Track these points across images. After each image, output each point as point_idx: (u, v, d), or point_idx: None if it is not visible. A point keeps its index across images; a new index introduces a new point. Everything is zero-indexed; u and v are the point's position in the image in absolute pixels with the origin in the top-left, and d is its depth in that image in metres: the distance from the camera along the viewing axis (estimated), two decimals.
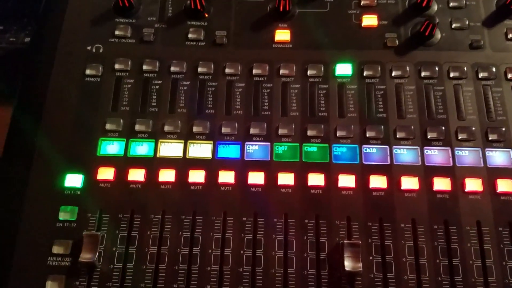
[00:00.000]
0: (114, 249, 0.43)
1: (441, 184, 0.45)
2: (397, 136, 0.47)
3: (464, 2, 0.54)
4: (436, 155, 0.47)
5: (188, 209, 0.45)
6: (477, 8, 0.54)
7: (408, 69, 0.50)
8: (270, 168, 0.47)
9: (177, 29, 0.54)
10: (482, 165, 0.46)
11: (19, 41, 0.72)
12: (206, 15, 0.54)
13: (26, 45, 0.70)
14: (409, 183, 0.45)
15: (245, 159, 0.47)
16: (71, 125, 0.49)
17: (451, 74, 0.50)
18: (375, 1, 0.54)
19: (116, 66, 0.51)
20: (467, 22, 0.53)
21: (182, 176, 0.46)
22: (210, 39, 0.53)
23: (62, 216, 0.45)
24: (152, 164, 0.47)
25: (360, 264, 0.41)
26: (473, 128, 0.48)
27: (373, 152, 0.47)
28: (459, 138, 0.47)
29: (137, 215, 0.45)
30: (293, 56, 0.52)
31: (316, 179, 0.46)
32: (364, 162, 0.47)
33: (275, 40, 0.53)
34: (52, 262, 0.43)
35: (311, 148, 0.48)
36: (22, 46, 0.71)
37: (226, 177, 0.46)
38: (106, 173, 0.46)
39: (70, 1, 0.55)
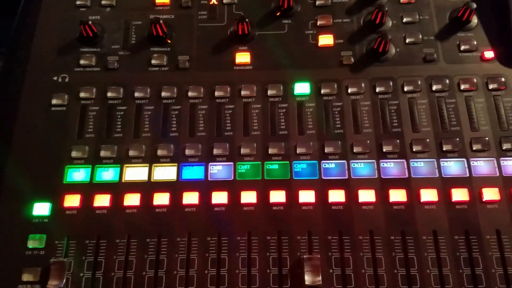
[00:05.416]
0: (81, 274, 0.44)
1: (397, 195, 0.47)
2: (354, 150, 0.49)
3: (417, 17, 0.56)
4: (392, 168, 0.48)
5: (153, 232, 0.46)
6: (430, 22, 0.56)
7: (363, 85, 0.52)
8: (233, 187, 0.48)
9: (140, 55, 0.55)
10: (437, 175, 0.48)
11: None
12: (169, 41, 0.56)
13: None
14: (366, 196, 0.47)
15: (209, 179, 0.49)
16: (39, 154, 0.50)
17: (406, 88, 0.52)
18: (331, 20, 0.56)
19: (82, 95, 0.52)
20: (420, 36, 0.55)
21: (147, 199, 0.47)
22: (173, 63, 0.55)
23: (31, 244, 0.46)
24: (118, 189, 0.48)
25: (320, 278, 0.42)
26: (428, 140, 0.49)
27: (332, 167, 0.49)
28: (414, 150, 0.49)
29: (102, 240, 0.46)
30: (254, 77, 0.54)
31: (277, 196, 0.47)
32: (324, 177, 0.48)
33: (236, 62, 0.54)
34: None
35: (273, 165, 0.49)
36: None
37: (190, 198, 0.47)
38: (72, 200, 0.47)
39: (36, 33, 0.56)
